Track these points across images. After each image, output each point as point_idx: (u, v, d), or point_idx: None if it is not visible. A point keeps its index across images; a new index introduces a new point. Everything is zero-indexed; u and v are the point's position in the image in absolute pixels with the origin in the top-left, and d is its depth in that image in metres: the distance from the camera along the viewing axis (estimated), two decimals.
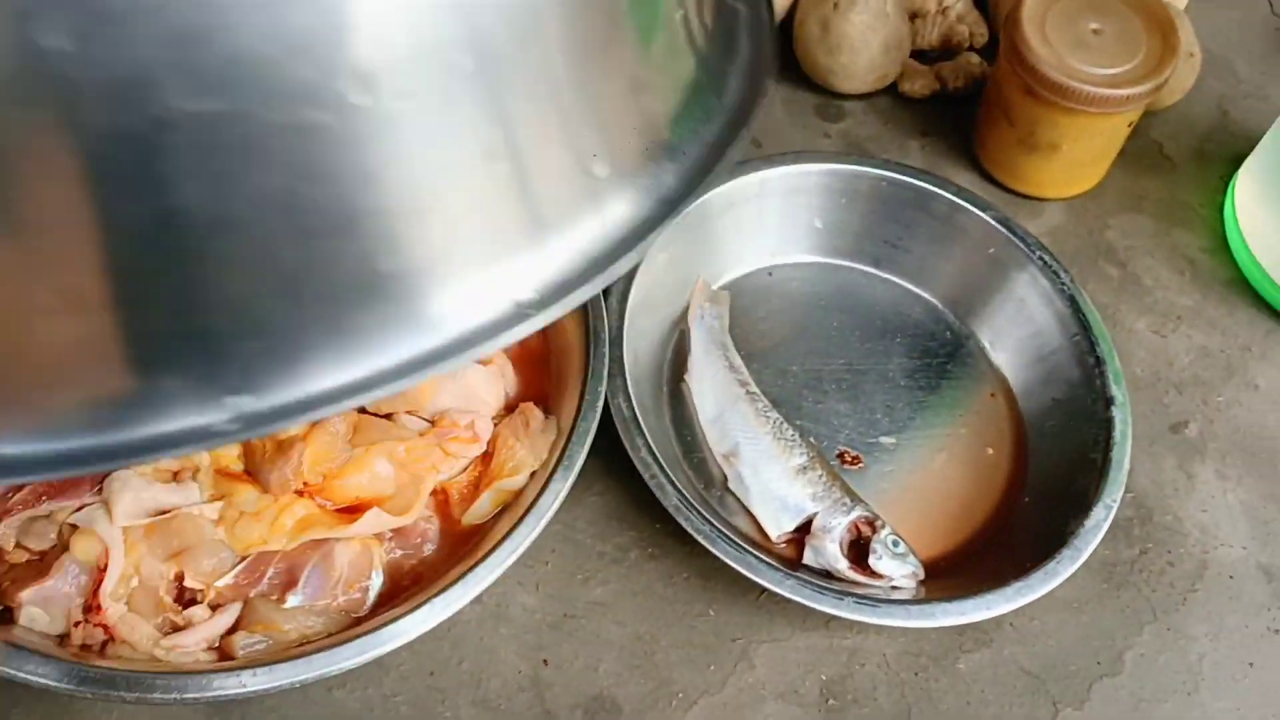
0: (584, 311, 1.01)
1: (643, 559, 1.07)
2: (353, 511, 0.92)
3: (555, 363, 1.04)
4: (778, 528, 1.05)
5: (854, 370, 1.18)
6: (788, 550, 1.05)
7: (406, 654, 0.98)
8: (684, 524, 0.98)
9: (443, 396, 0.97)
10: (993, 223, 1.18)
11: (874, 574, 1.00)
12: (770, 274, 1.24)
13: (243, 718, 0.92)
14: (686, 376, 1.14)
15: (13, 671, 0.77)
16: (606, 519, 1.08)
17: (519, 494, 0.95)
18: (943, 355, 1.20)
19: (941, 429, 1.14)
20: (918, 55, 1.42)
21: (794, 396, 1.15)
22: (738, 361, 1.14)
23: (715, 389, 1.12)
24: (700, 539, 0.97)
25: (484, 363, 1.00)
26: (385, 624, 0.84)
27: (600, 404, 0.97)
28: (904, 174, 1.20)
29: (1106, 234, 1.31)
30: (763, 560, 0.97)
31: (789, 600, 0.95)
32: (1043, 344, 1.16)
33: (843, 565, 1.03)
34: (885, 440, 1.13)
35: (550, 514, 0.91)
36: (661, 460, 1.01)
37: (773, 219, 1.23)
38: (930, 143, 1.38)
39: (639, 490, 1.08)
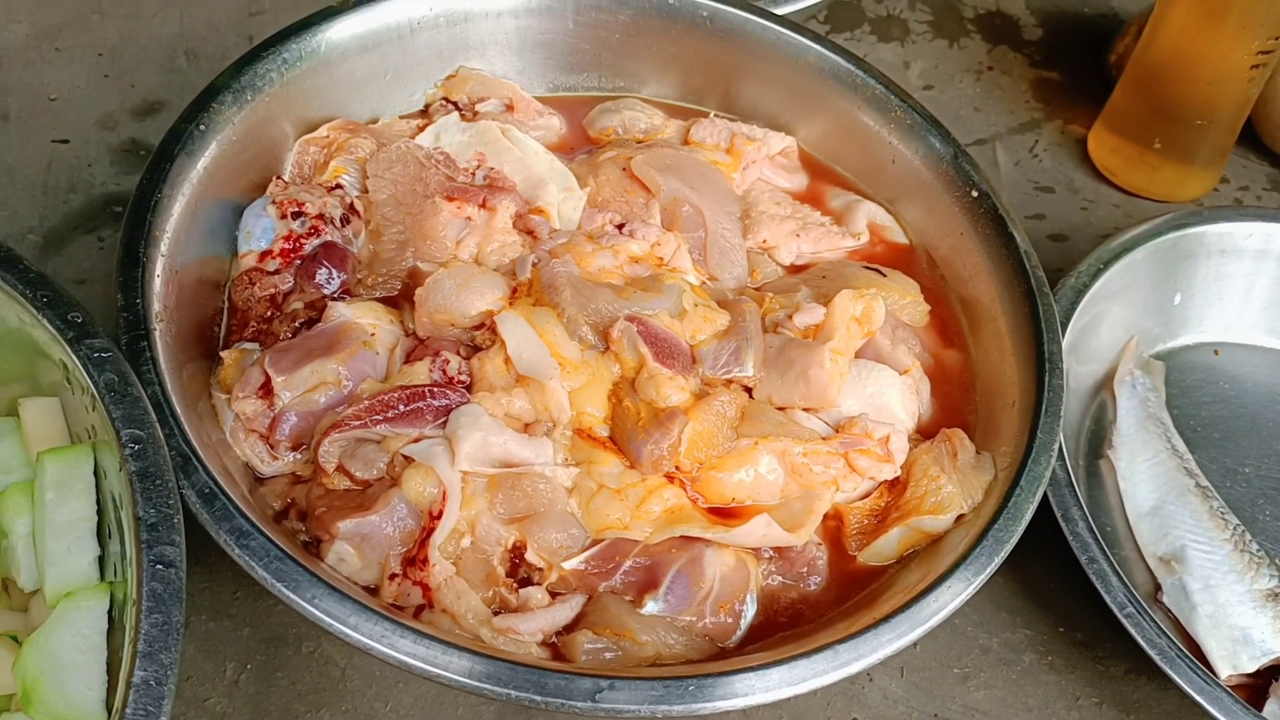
0: (1032, 335, 0.80)
1: (1039, 667, 0.83)
2: (725, 515, 0.73)
3: (982, 390, 0.83)
4: (1232, 664, 0.79)
5: None
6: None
7: (735, 714, 0.77)
8: (1135, 633, 0.74)
9: (849, 401, 0.77)
10: None
11: None
12: (1217, 352, 1.00)
13: None
14: (1109, 451, 0.91)
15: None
16: (994, 607, 0.85)
17: (938, 540, 0.73)
18: None
19: None
20: None
21: (1245, 504, 0.90)
22: (1181, 446, 0.90)
23: (1154, 474, 0.88)
24: (1156, 657, 0.73)
25: (901, 371, 0.80)
26: (756, 669, 0.63)
27: (1056, 448, 0.75)
28: None
29: None
30: (1240, 704, 0.72)
31: None
32: None
33: None
34: None
35: (985, 576, 0.69)
36: (1103, 542, 0.78)
37: (1234, 285, 0.99)
38: None
39: (1050, 577, 0.85)
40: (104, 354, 0.67)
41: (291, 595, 0.61)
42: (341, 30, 0.90)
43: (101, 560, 0.68)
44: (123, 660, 0.58)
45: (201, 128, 0.81)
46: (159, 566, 0.60)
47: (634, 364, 0.75)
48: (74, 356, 0.67)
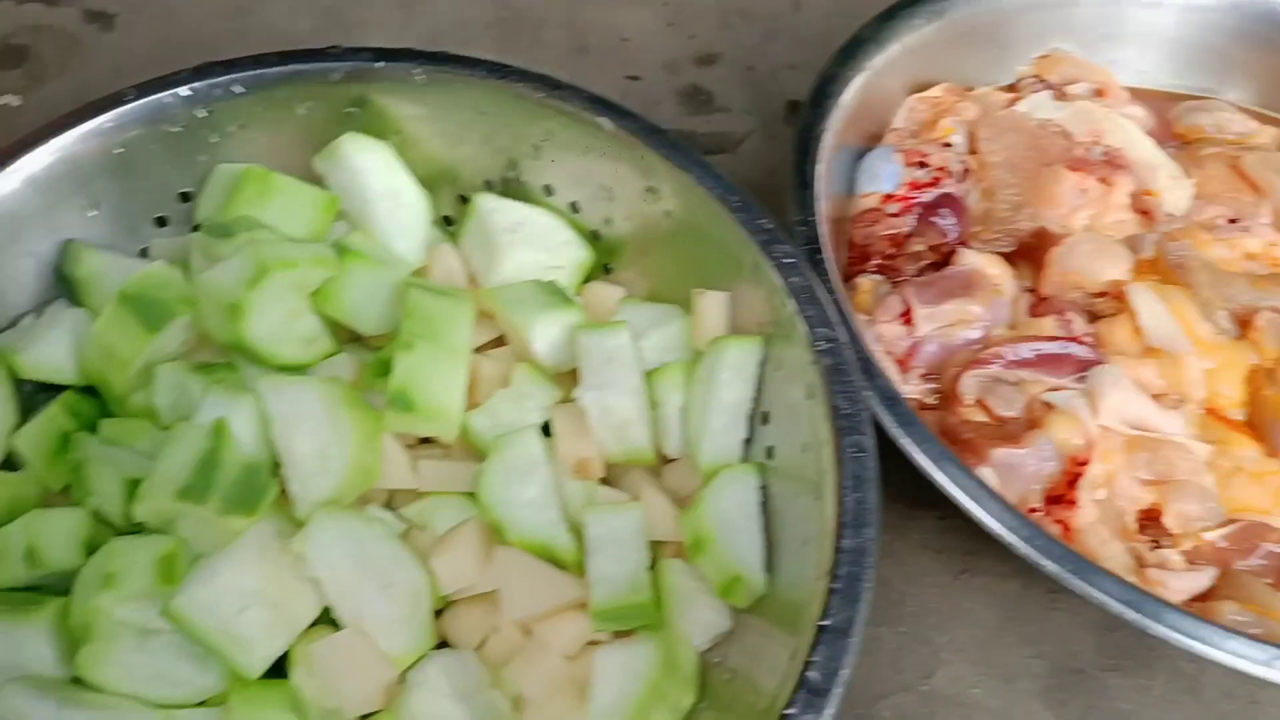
0: None
1: None
2: None
3: None
4: None
5: None
6: None
7: None
8: None
9: None
10: None
11: None
12: None
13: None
14: None
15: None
16: None
17: None
18: None
19: None
20: None
21: None
22: None
23: None
24: None
25: None
26: None
27: None
28: None
29: None
30: None
31: None
32: None
33: None
34: None
35: None
36: None
37: None
38: None
39: None
40: (791, 260, 0.74)
41: (970, 502, 0.65)
42: (962, 2, 0.94)
43: (748, 443, 0.75)
44: (826, 531, 0.63)
45: (849, 73, 0.87)
46: (855, 452, 0.65)
47: (1275, 355, 0.74)
48: (766, 258, 0.74)
